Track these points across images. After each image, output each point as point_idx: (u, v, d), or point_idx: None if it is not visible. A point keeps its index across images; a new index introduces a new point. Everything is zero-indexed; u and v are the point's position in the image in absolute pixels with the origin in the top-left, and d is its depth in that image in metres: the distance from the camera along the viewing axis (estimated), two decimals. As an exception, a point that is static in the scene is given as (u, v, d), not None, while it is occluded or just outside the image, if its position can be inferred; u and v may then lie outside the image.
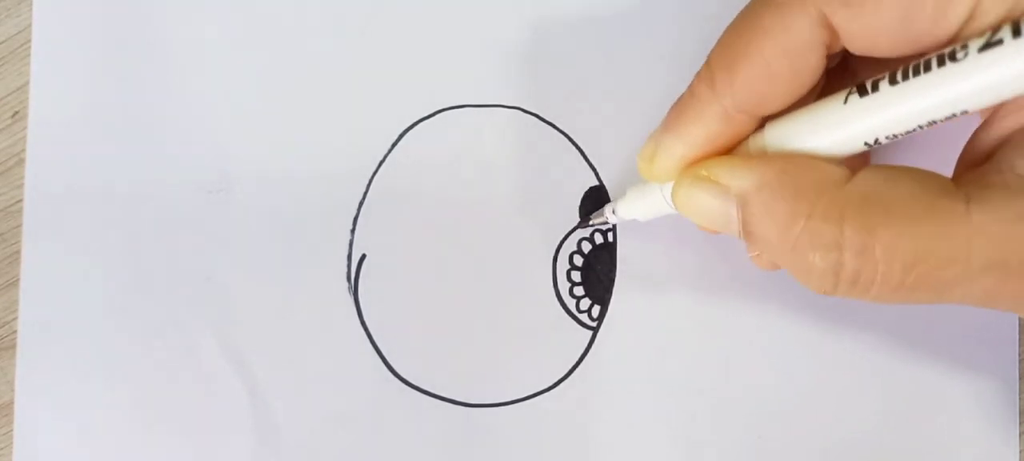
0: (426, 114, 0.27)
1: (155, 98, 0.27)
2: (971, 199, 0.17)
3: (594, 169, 0.27)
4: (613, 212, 0.25)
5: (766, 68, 0.19)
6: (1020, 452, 0.27)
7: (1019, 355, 0.27)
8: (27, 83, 0.27)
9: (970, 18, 0.17)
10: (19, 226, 0.27)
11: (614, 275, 0.27)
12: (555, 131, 0.27)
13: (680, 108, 0.21)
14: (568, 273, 0.27)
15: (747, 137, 0.21)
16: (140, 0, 0.28)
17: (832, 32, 0.18)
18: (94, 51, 0.27)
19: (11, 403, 0.27)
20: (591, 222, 0.26)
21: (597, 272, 0.27)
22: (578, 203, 0.27)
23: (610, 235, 0.27)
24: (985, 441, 0.27)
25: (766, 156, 0.20)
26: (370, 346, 0.27)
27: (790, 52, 0.19)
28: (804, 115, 0.20)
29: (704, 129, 0.20)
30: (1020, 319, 0.27)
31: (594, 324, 0.27)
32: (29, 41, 0.28)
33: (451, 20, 0.28)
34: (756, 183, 0.19)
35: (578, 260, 0.27)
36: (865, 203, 0.18)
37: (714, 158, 0.21)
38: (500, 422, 0.27)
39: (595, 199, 0.27)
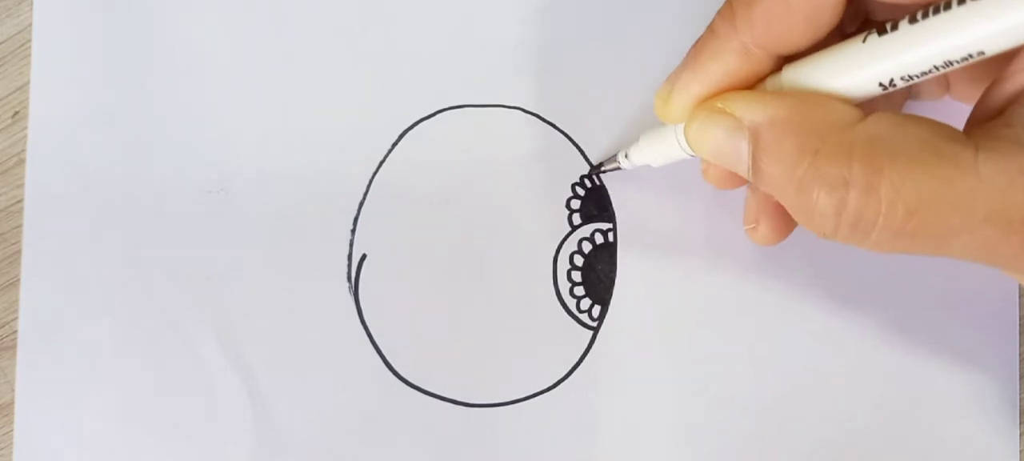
0: (426, 114, 0.27)
1: (155, 98, 0.27)
2: (980, 149, 0.17)
3: (594, 168, 0.27)
4: (626, 157, 0.25)
5: (785, 2, 0.19)
6: (1020, 452, 0.27)
7: (1019, 355, 0.27)
8: (27, 83, 0.27)
9: None
10: (19, 226, 0.27)
11: (614, 275, 0.27)
12: (555, 131, 0.27)
13: (699, 46, 0.21)
14: (568, 273, 0.27)
15: (765, 78, 0.21)
16: (140, 0, 0.28)
17: None
18: (94, 51, 0.27)
19: (11, 403, 0.27)
20: (604, 168, 0.26)
21: (597, 272, 0.27)
22: (579, 205, 0.27)
23: (610, 235, 0.27)
24: (985, 440, 0.27)
25: (781, 93, 0.20)
26: (370, 346, 0.27)
27: None
28: (822, 55, 0.20)
29: (722, 66, 0.20)
30: (1020, 319, 0.27)
31: (594, 324, 0.27)
32: (29, 41, 0.28)
33: (451, 20, 0.28)
34: (768, 117, 0.19)
35: (578, 260, 0.27)
36: (874, 143, 0.18)
37: (730, 92, 0.21)
38: (500, 422, 0.27)
39: (596, 199, 0.27)
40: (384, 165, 0.27)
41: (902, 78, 0.18)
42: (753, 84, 0.21)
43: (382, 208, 0.27)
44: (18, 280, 0.27)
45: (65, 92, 0.27)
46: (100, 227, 0.27)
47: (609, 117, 0.27)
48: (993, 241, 0.17)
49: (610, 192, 0.27)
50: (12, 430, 0.26)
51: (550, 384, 0.27)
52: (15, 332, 0.27)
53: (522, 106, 0.27)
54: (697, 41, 0.21)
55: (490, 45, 0.28)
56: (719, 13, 0.21)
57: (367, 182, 0.27)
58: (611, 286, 0.27)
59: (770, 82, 0.20)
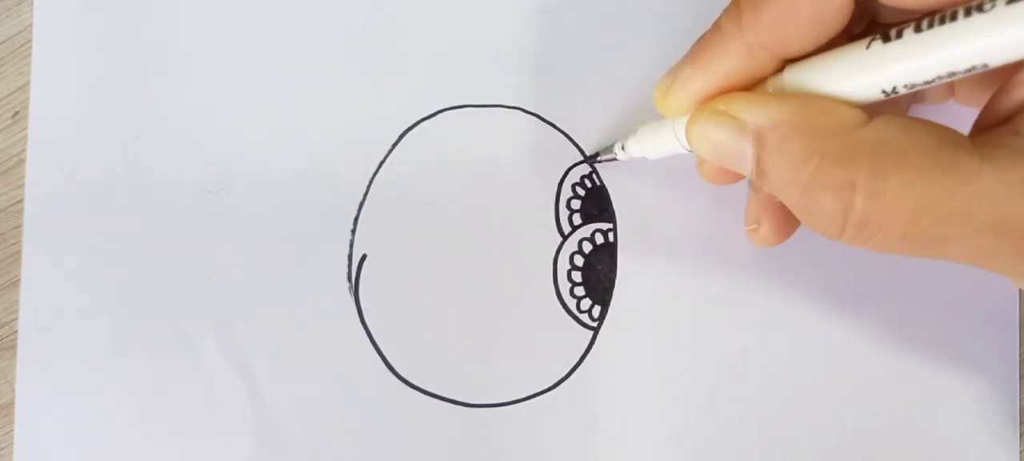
0: (426, 114, 0.27)
1: (155, 98, 0.27)
2: (984, 158, 0.17)
3: (594, 169, 0.27)
4: (622, 148, 0.25)
5: (793, 8, 0.19)
6: (1020, 452, 0.27)
7: (1019, 355, 0.27)
8: (27, 83, 0.27)
9: None
10: (19, 226, 0.27)
11: (614, 275, 0.27)
12: (555, 131, 0.27)
13: (704, 42, 0.21)
14: (568, 273, 0.27)
15: (767, 78, 0.21)
16: (140, 1, 0.28)
17: None
18: (94, 51, 0.27)
19: (11, 403, 0.27)
20: (600, 158, 0.26)
21: (597, 272, 0.27)
22: (579, 205, 0.27)
23: (610, 235, 0.27)
24: (985, 441, 0.27)
25: (784, 95, 0.20)
26: (370, 346, 0.27)
27: None
28: (825, 59, 0.20)
29: (725, 64, 0.20)
30: (1020, 319, 0.27)
31: (594, 324, 0.27)
32: (29, 41, 0.28)
33: (451, 20, 0.28)
34: (773, 120, 0.19)
35: (578, 260, 0.27)
36: (879, 148, 0.18)
37: (732, 93, 0.21)
38: (500, 422, 0.27)
39: (596, 199, 0.27)
40: (384, 165, 0.27)
41: (905, 86, 0.18)
42: (755, 84, 0.21)
43: (382, 208, 0.27)
44: (18, 280, 0.27)
45: (65, 92, 0.27)
46: (100, 227, 0.27)
47: (609, 117, 0.27)
48: (989, 248, 0.18)
49: (610, 192, 0.27)
50: (12, 430, 0.26)
51: (550, 384, 0.27)
52: (15, 332, 0.27)
53: (522, 106, 0.27)
54: (702, 37, 0.21)
55: (490, 45, 0.28)
56: (726, 12, 0.20)
57: (367, 182, 0.27)
58: (611, 286, 0.27)
59: (772, 83, 0.20)
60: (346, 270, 0.27)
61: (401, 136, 0.27)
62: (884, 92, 0.19)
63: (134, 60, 0.27)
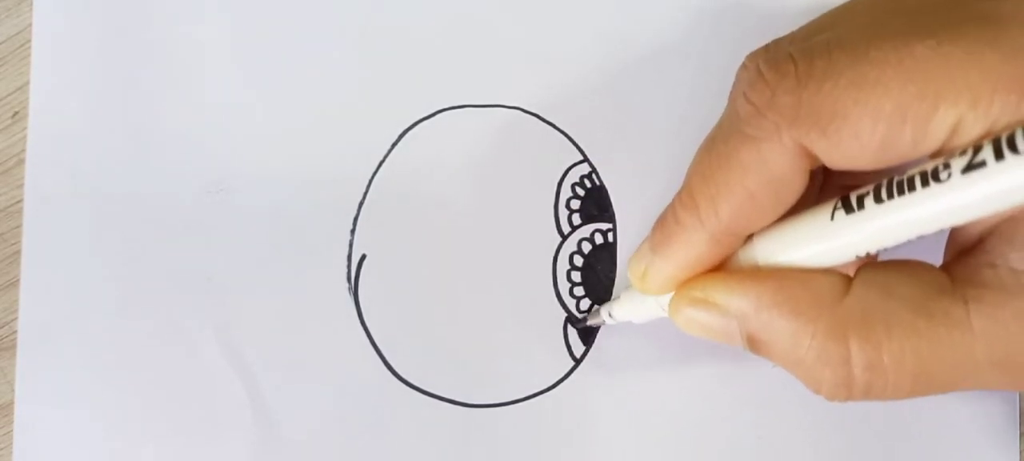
0: (426, 114, 0.27)
1: (155, 98, 0.27)
2: (969, 300, 0.18)
3: (594, 169, 0.27)
4: (609, 315, 0.25)
5: (750, 198, 0.19)
6: (1020, 452, 0.27)
7: (1019, 355, 0.27)
8: (27, 83, 0.27)
9: (951, 136, 0.17)
10: (19, 226, 0.27)
11: (614, 275, 0.27)
12: (555, 131, 0.27)
13: (666, 232, 0.21)
14: (568, 273, 0.27)
15: (737, 250, 0.21)
16: (140, 1, 0.28)
17: (812, 157, 0.19)
18: (94, 51, 0.27)
19: (11, 403, 0.27)
20: (589, 322, 0.26)
21: (597, 272, 0.27)
22: (579, 205, 0.27)
23: (610, 235, 0.27)
24: (985, 441, 0.27)
25: (759, 272, 0.20)
26: (370, 346, 0.27)
27: (772, 183, 0.19)
28: (792, 229, 0.20)
29: (693, 251, 0.21)
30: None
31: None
32: (29, 41, 0.28)
33: (451, 20, 0.28)
34: (754, 304, 0.19)
35: (578, 260, 0.27)
36: (866, 318, 0.18)
37: (708, 276, 0.21)
38: (500, 422, 0.27)
39: (596, 199, 0.27)
40: (384, 165, 0.27)
41: (878, 249, 0.18)
42: (726, 258, 0.21)
43: (382, 208, 0.27)
44: (18, 280, 0.27)
45: (65, 92, 0.27)
46: (100, 227, 0.27)
47: (609, 117, 0.27)
48: (999, 382, 0.18)
49: (610, 192, 0.27)
50: (12, 430, 0.26)
51: (550, 384, 0.27)
52: (15, 332, 0.27)
53: (522, 106, 0.27)
54: (663, 223, 0.21)
55: (490, 45, 0.28)
56: (681, 203, 0.21)
57: (367, 182, 0.27)
58: (611, 286, 0.27)
59: (743, 254, 0.21)
60: (346, 270, 0.27)
61: (400, 136, 0.27)
62: (858, 256, 0.19)
63: (134, 60, 0.27)
